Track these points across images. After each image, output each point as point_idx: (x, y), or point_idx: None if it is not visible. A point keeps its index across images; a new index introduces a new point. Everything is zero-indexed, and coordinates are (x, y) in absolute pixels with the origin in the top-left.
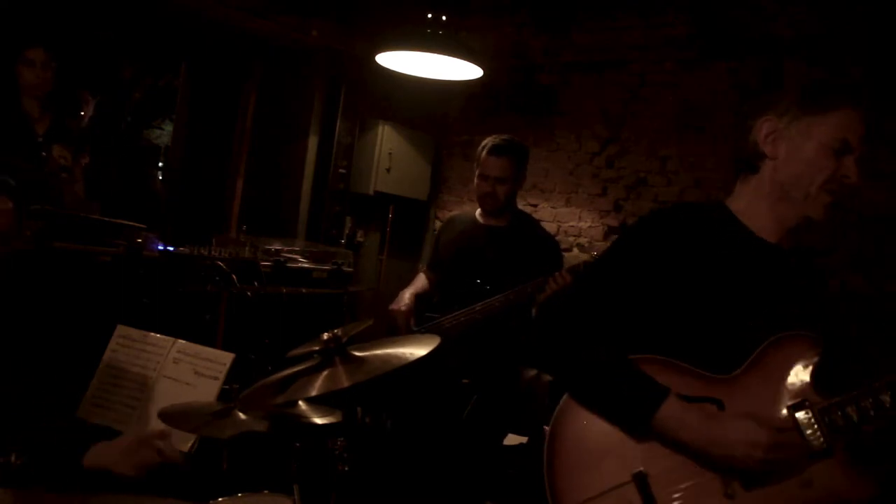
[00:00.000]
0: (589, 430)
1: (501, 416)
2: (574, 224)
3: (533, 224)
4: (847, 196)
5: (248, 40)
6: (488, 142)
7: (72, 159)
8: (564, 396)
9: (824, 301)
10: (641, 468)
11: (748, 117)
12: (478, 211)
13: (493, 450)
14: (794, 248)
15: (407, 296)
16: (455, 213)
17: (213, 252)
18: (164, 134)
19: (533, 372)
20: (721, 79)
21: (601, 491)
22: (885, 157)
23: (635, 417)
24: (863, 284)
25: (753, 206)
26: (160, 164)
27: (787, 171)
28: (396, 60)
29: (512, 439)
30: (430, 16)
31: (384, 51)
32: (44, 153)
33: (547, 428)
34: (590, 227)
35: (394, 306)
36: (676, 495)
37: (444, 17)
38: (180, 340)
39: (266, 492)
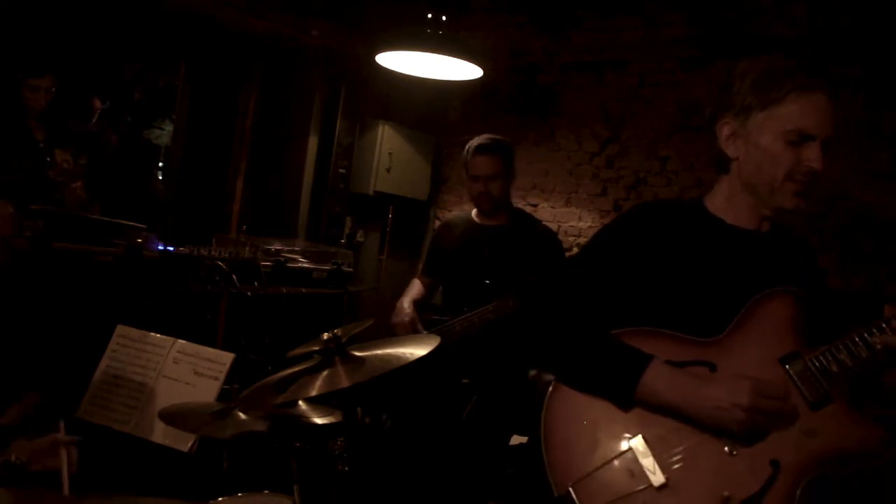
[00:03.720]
0: (581, 404)
1: (504, 417)
2: (574, 224)
3: (531, 220)
4: (815, 183)
5: (248, 40)
6: (472, 143)
7: (73, 161)
8: (553, 381)
9: (807, 272)
10: (639, 433)
11: (712, 122)
12: (474, 212)
13: (497, 450)
14: (773, 228)
15: (406, 305)
16: (449, 217)
17: (213, 252)
18: (164, 134)
19: (533, 371)
20: (721, 79)
21: (601, 463)
22: (884, 158)
23: (621, 386)
24: (863, 284)
25: (729, 202)
26: (160, 164)
27: (749, 168)
28: (396, 60)
29: (513, 439)
30: (430, 16)
31: (384, 51)
32: (48, 158)
33: None
34: (590, 227)
35: (396, 319)
36: (677, 457)
37: (443, 17)
38: (180, 340)
39: (266, 492)
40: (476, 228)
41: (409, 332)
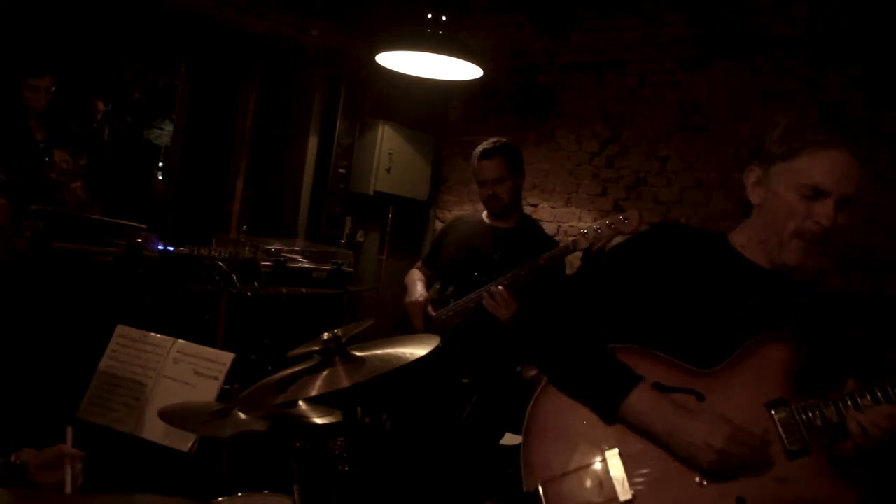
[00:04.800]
0: (567, 412)
1: (500, 416)
2: (574, 224)
3: (537, 227)
4: (826, 241)
5: (248, 40)
6: (479, 148)
7: (72, 161)
8: (545, 379)
9: (820, 317)
10: (616, 447)
11: (743, 167)
12: (484, 213)
13: (491, 449)
14: (800, 281)
15: (420, 287)
16: (460, 213)
17: (213, 252)
18: (164, 134)
19: (533, 371)
20: (721, 79)
21: (574, 468)
22: (884, 158)
23: (606, 401)
24: (863, 284)
25: (749, 243)
26: (160, 164)
27: (764, 217)
28: (396, 60)
29: (511, 439)
30: (430, 16)
31: (384, 51)
32: (46, 158)
33: None
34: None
35: (410, 299)
36: (648, 478)
37: (443, 17)
38: (180, 340)
39: (266, 492)
40: (484, 229)
41: (421, 311)
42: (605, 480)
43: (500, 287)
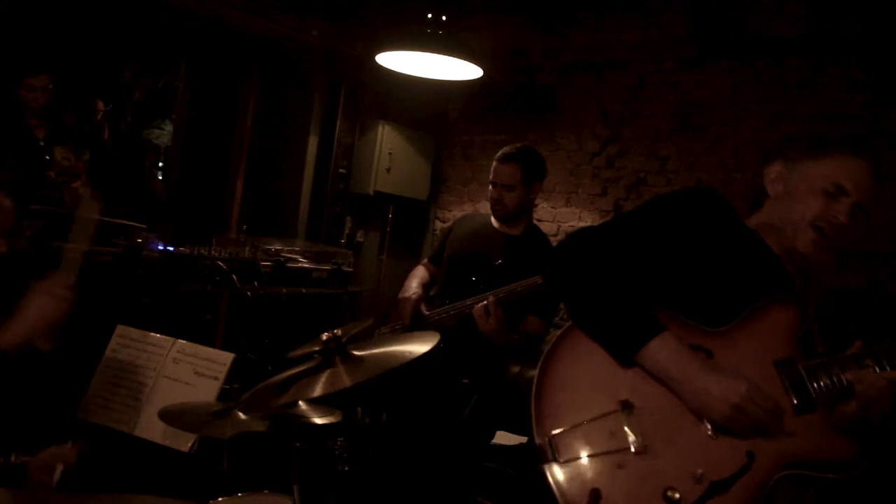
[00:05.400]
0: (580, 365)
1: (494, 415)
2: (574, 224)
3: (545, 240)
4: (837, 239)
5: (248, 40)
6: (502, 149)
7: (74, 158)
8: (557, 335)
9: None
10: (629, 398)
11: (764, 164)
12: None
13: (483, 447)
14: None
15: (415, 285)
16: (470, 212)
17: (213, 252)
18: (164, 134)
19: (517, 368)
20: (721, 79)
21: (587, 419)
22: (885, 158)
23: (627, 342)
24: (862, 284)
25: (761, 229)
26: (160, 164)
27: (781, 206)
28: (396, 60)
29: (511, 438)
30: (430, 16)
31: (384, 51)
32: (46, 157)
33: None
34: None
35: (403, 295)
36: (660, 429)
37: (443, 17)
38: (180, 340)
39: (266, 492)
40: (490, 231)
41: (410, 308)
42: (616, 431)
43: (491, 299)
